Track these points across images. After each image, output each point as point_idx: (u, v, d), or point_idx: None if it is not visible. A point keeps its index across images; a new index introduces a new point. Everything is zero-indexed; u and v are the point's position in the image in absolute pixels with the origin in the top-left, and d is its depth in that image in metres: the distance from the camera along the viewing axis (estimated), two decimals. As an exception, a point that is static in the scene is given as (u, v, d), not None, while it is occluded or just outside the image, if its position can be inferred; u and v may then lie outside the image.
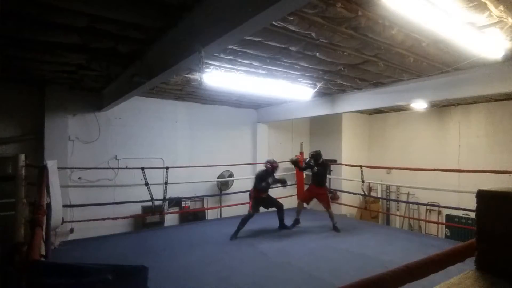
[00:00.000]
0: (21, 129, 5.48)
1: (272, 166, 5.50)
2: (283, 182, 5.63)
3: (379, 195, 8.84)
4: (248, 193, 5.58)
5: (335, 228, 5.69)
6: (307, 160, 5.98)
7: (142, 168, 5.66)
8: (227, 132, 8.04)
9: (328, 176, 8.48)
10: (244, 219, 5.27)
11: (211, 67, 4.23)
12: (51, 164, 3.70)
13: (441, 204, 6.63)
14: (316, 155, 5.85)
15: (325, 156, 8.90)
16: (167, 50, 3.26)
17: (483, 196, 0.90)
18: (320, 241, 4.98)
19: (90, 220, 5.35)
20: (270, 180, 5.43)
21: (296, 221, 5.89)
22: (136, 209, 6.29)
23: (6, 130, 5.36)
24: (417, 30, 3.12)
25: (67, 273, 1.24)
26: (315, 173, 5.83)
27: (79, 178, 5.96)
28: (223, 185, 7.41)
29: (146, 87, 4.00)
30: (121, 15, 2.79)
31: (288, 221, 5.82)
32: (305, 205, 6.34)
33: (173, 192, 6.43)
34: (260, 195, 5.41)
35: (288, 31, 3.15)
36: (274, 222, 5.95)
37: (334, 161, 8.73)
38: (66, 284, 1.21)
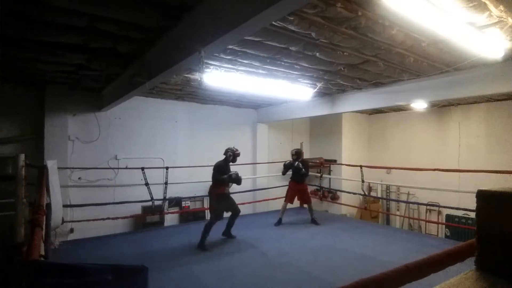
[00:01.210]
0: (21, 129, 5.48)
1: (234, 154, 4.86)
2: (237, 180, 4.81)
3: (379, 195, 8.84)
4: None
5: (314, 221, 5.94)
6: (290, 161, 5.93)
7: (142, 168, 5.66)
8: (227, 132, 8.03)
9: (329, 176, 8.55)
10: (207, 226, 4.63)
11: (211, 67, 4.23)
12: (51, 164, 3.70)
13: (441, 204, 6.63)
14: (299, 152, 5.94)
15: (325, 156, 8.97)
16: (167, 50, 3.26)
17: (483, 196, 0.90)
18: (320, 241, 4.97)
19: (90, 220, 5.35)
20: (232, 172, 4.77)
21: (280, 221, 5.92)
22: (136, 209, 6.29)
23: (6, 130, 5.36)
24: (417, 30, 3.12)
25: (67, 273, 1.24)
26: (298, 169, 5.81)
27: (79, 178, 5.96)
28: (223, 185, 7.39)
29: (146, 87, 4.00)
30: (121, 15, 2.79)
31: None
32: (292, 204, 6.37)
33: (173, 192, 6.43)
34: (222, 190, 4.75)
35: (288, 31, 3.14)
36: (274, 222, 5.96)
37: (334, 161, 8.73)
38: (66, 284, 1.21)
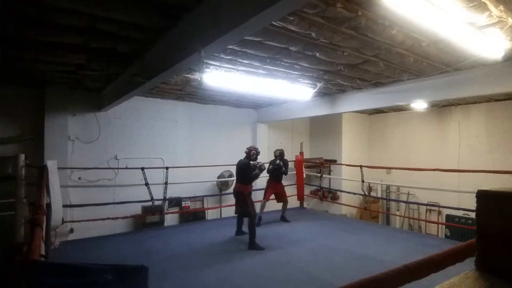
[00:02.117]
0: (21, 129, 5.48)
1: (257, 153, 5.07)
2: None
3: (379, 195, 8.84)
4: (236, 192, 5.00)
5: (284, 219, 6.14)
6: (274, 160, 5.92)
7: (142, 168, 5.66)
8: (227, 132, 8.03)
9: (329, 176, 8.55)
10: (254, 224, 4.67)
11: (211, 67, 4.23)
12: (51, 164, 3.70)
13: (441, 204, 6.63)
14: (283, 153, 6.00)
15: (325, 156, 8.98)
16: (167, 50, 3.26)
17: (483, 196, 0.90)
18: (320, 241, 4.97)
19: (90, 220, 5.35)
20: (257, 164, 4.96)
21: (260, 219, 5.84)
22: (136, 209, 6.29)
23: (6, 130, 5.36)
24: (417, 30, 3.12)
25: (67, 273, 1.24)
26: (278, 169, 5.83)
27: (79, 178, 5.96)
28: (223, 185, 7.41)
29: (146, 87, 4.00)
30: (121, 15, 2.79)
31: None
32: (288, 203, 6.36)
33: (173, 192, 6.43)
34: (251, 188, 4.94)
35: (288, 31, 3.15)
36: (274, 222, 5.96)
37: (334, 161, 8.73)
38: (66, 284, 1.21)
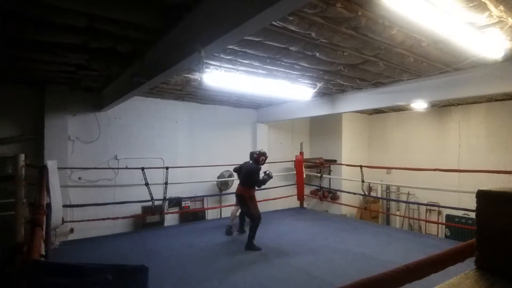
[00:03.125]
0: (21, 129, 5.48)
1: (265, 158, 5.06)
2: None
3: (379, 195, 8.84)
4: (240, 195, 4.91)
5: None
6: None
7: (142, 168, 5.66)
8: (227, 132, 8.03)
9: (329, 176, 8.55)
10: (254, 228, 4.62)
11: (211, 67, 4.23)
12: (51, 164, 3.70)
13: (441, 204, 6.63)
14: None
15: (325, 156, 8.98)
16: (167, 50, 3.26)
17: (483, 196, 0.90)
18: (320, 241, 4.97)
19: (90, 220, 5.34)
20: (266, 171, 5.00)
21: (230, 228, 5.37)
22: (136, 209, 6.29)
23: (6, 130, 5.36)
24: (417, 30, 3.12)
25: (67, 273, 1.24)
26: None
27: (79, 178, 5.96)
28: (223, 185, 7.40)
29: (146, 87, 4.00)
30: (121, 15, 2.79)
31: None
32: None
33: (173, 192, 6.43)
34: (254, 192, 4.95)
35: (288, 31, 3.15)
36: (273, 222, 5.95)
37: (334, 161, 8.73)
38: (66, 284, 1.21)
